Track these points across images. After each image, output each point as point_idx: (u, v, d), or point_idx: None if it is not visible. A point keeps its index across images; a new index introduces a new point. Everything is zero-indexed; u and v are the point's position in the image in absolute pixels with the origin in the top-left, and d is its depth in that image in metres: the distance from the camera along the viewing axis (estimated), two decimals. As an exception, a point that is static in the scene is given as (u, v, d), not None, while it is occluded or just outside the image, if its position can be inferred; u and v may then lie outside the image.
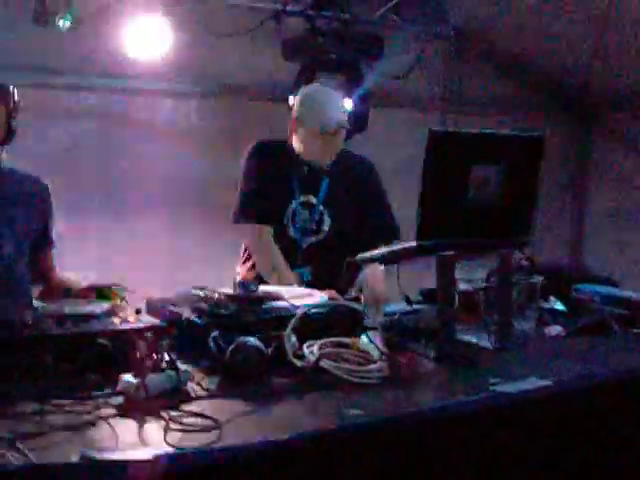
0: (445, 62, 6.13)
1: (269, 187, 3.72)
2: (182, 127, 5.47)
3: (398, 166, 5.63)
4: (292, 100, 3.87)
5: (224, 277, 3.57)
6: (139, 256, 5.31)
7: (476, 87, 6.35)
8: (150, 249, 5.42)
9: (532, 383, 2.50)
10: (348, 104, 4.97)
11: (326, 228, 3.78)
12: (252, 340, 2.42)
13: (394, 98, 6.00)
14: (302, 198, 3.76)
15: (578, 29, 5.69)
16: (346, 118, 3.80)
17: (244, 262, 3.87)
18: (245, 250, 3.89)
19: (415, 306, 2.95)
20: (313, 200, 3.76)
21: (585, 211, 7.00)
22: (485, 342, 2.89)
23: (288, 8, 5.29)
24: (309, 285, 3.47)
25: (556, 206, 6.62)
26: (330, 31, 5.28)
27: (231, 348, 2.40)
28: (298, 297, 2.94)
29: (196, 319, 2.61)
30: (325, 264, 3.66)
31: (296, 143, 3.80)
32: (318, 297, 2.96)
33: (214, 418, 2.06)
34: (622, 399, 2.69)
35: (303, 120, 3.74)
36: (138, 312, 2.66)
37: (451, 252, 2.68)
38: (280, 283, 3.39)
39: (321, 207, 3.77)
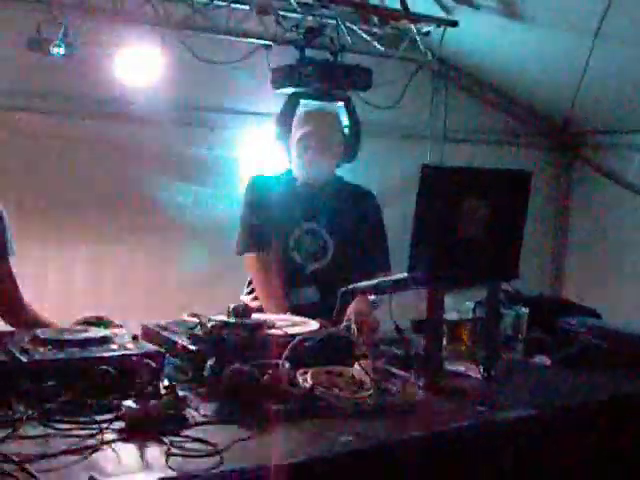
0: (431, 93, 6.23)
1: (270, 218, 3.79)
2: (172, 154, 5.51)
3: (385, 195, 5.77)
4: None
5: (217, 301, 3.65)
6: (129, 281, 5.39)
7: (462, 118, 6.47)
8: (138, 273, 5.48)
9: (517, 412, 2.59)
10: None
11: (330, 254, 3.86)
12: (247, 367, 2.48)
13: (382, 128, 6.10)
14: (306, 225, 3.85)
15: (562, 67, 5.83)
16: (340, 140, 3.92)
17: (249, 292, 3.96)
18: (250, 282, 3.96)
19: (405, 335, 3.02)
20: (317, 227, 3.86)
21: (567, 242, 7.12)
22: (473, 372, 2.98)
23: (278, 37, 5.37)
24: (314, 307, 3.57)
25: (537, 237, 6.71)
26: (319, 61, 5.35)
27: (227, 375, 2.47)
28: (291, 325, 3.02)
29: (192, 346, 2.67)
30: (329, 289, 3.69)
31: (293, 166, 3.92)
32: (310, 325, 3.03)
33: (214, 444, 2.12)
34: (607, 427, 2.78)
35: (294, 134, 3.87)
36: (135, 339, 2.72)
37: (441, 284, 2.76)
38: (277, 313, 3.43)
39: (325, 233, 3.86)
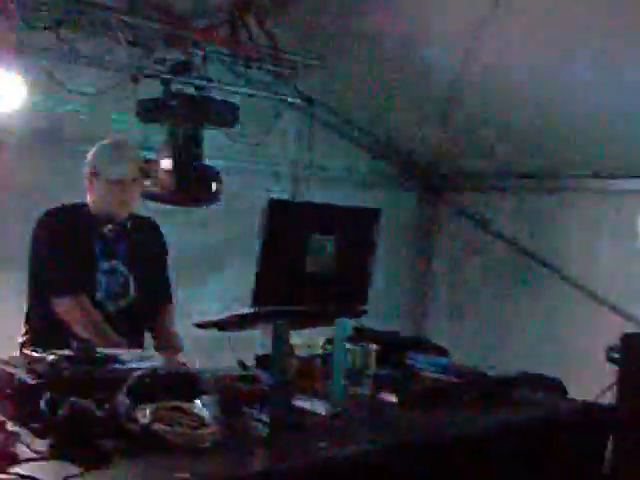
0: (298, 130, 6.28)
1: (73, 257, 3.67)
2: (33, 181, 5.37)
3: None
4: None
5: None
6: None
7: (328, 156, 6.54)
8: None
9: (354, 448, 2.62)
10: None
11: (131, 292, 3.79)
12: (84, 402, 2.43)
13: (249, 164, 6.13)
14: (105, 265, 3.74)
15: (426, 109, 5.97)
16: (140, 170, 3.82)
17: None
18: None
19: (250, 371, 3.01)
20: (116, 265, 3.77)
21: (427, 281, 7.25)
22: (320, 408, 2.98)
23: (145, 71, 5.33)
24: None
25: (400, 276, 6.82)
26: (186, 95, 5.35)
27: (63, 410, 2.41)
28: (137, 359, 2.97)
29: (28, 379, 2.60)
30: (134, 327, 3.72)
31: (91, 199, 3.78)
32: (156, 360, 2.99)
33: (42, 480, 2.06)
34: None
35: (98, 171, 3.74)
36: (-29, 372, 2.64)
37: (287, 319, 2.76)
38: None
39: (125, 271, 3.78)
